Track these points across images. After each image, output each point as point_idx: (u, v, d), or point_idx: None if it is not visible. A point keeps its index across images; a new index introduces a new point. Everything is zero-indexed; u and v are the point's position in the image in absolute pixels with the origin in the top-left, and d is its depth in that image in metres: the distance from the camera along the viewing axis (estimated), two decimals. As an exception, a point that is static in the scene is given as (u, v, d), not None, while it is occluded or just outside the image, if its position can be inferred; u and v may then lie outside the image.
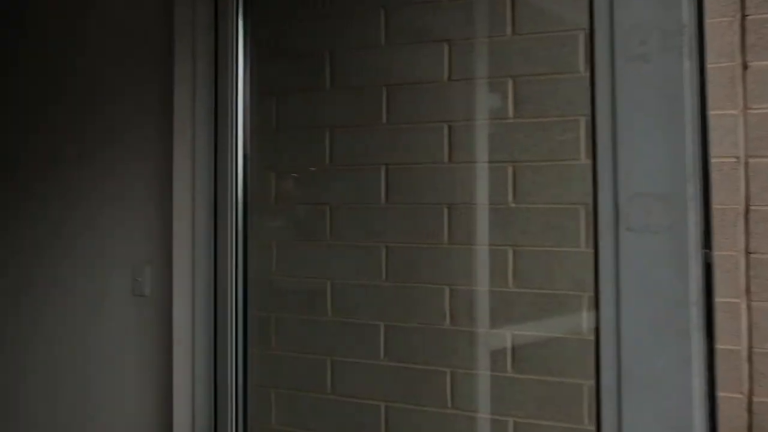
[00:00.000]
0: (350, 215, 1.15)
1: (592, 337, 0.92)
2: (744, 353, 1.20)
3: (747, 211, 1.23)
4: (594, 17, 0.58)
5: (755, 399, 1.19)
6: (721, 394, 0.59)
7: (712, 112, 0.57)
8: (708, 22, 0.58)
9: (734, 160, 1.24)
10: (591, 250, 0.92)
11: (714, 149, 0.64)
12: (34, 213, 1.59)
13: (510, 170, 1.00)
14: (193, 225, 1.21)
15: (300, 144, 1.22)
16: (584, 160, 0.94)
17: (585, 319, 0.93)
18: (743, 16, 1.24)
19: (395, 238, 1.10)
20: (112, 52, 1.45)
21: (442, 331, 1.03)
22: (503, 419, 0.99)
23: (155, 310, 1.45)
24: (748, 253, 1.22)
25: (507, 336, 0.98)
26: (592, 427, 0.70)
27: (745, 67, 1.24)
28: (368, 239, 1.13)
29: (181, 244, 1.22)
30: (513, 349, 0.97)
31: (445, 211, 1.05)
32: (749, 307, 1.21)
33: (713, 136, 0.71)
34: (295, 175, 1.23)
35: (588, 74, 0.94)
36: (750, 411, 1.19)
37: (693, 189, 0.49)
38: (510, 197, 1.00)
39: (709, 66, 0.60)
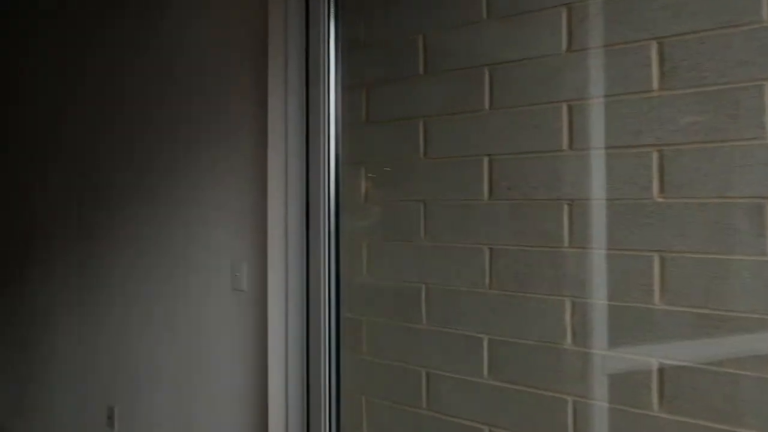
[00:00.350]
0: (447, 213, 1.04)
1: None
2: None
3: None
4: None
5: None
6: None
7: None
8: None
9: None
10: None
11: None
12: (148, 216, 1.76)
13: (655, 156, 0.80)
14: (286, 223, 1.21)
15: (391, 137, 1.15)
16: (773, 138, 0.70)
17: (772, 351, 0.70)
18: None
19: (501, 240, 0.96)
20: (208, 56, 1.53)
21: (561, 351, 0.86)
22: (644, 467, 0.79)
23: (253, 305, 1.50)
24: None
25: (652, 364, 0.78)
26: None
27: None
28: (468, 240, 1.00)
29: (275, 242, 1.23)
30: (660, 381, 0.77)
31: (566, 208, 0.88)
32: None
33: None
34: (386, 170, 1.16)
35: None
36: None
37: None
38: (655, 190, 0.79)
39: None
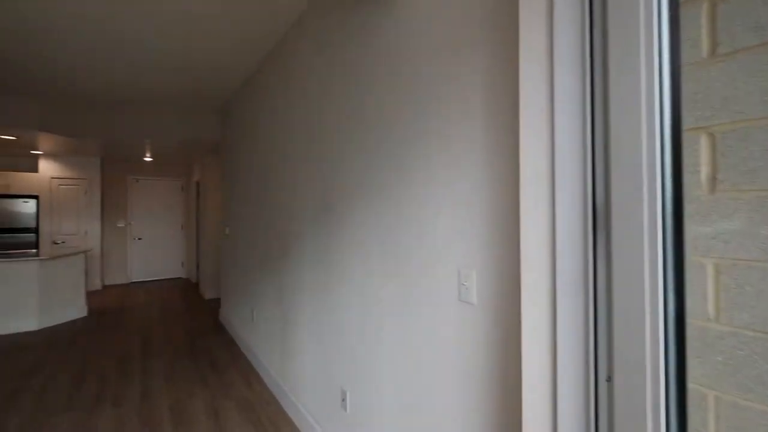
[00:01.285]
0: None
1: None
2: None
3: None
4: None
5: None
6: None
7: None
8: None
9: None
10: None
11: None
12: (382, 220, 1.71)
13: None
14: (553, 225, 0.86)
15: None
16: None
17: None
18: None
19: None
20: (438, 40, 1.32)
21: None
22: None
23: (483, 323, 1.22)
24: None
25: None
26: None
27: None
28: None
29: (532, 249, 0.89)
30: None
31: None
32: None
33: None
34: (758, 136, 0.65)
35: None
36: None
37: None
38: None
39: None
